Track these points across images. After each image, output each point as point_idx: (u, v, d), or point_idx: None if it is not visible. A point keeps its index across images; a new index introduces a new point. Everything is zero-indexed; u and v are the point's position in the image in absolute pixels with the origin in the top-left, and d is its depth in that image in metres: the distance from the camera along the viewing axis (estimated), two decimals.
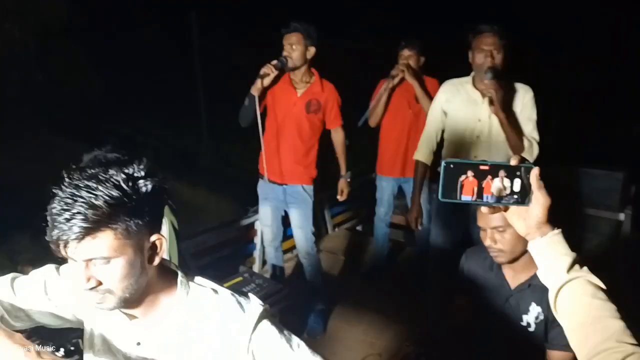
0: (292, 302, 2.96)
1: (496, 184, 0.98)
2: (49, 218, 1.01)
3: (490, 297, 1.99)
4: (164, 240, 1.14)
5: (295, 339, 1.20)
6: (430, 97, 3.28)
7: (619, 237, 4.27)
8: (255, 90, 3.01)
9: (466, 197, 0.99)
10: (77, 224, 0.99)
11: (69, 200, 1.00)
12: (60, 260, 1.10)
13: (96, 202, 1.00)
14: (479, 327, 2.03)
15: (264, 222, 3.45)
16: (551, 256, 1.00)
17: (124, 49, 9.75)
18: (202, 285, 1.23)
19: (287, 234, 3.65)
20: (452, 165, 0.98)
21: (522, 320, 1.90)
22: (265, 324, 1.18)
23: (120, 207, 1.02)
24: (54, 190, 1.02)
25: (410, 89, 3.69)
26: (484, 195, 0.99)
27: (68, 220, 0.99)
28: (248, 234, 3.91)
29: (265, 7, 10.55)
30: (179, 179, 8.59)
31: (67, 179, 1.03)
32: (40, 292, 1.25)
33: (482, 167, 0.98)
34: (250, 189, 3.45)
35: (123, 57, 9.56)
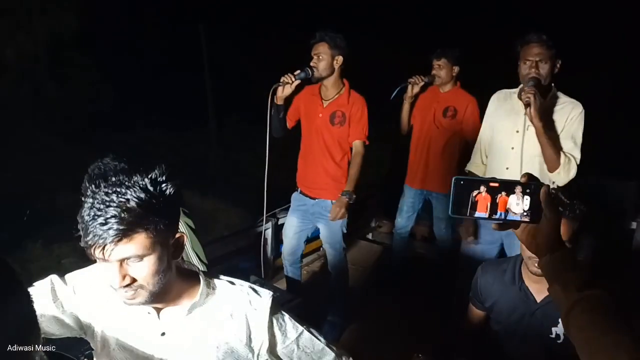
0: (305, 311, 2.93)
1: (512, 201, 0.98)
2: (81, 225, 1.09)
3: (515, 310, 1.98)
4: (185, 237, 1.25)
5: (300, 325, 1.41)
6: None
7: (631, 246, 4.22)
8: (277, 99, 2.94)
9: (480, 214, 0.99)
10: (114, 227, 1.07)
11: (102, 206, 1.08)
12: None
13: (129, 205, 1.08)
14: (504, 340, 2.02)
15: (286, 234, 3.37)
16: (562, 274, 0.99)
17: (133, 59, 9.85)
18: (219, 278, 1.38)
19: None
20: (462, 182, 0.99)
21: (551, 333, 1.88)
22: (278, 308, 1.37)
23: (149, 208, 1.12)
24: (82, 199, 1.11)
25: (441, 100, 3.62)
26: (498, 212, 0.99)
27: (103, 224, 1.07)
28: (259, 243, 3.90)
29: (274, 18, 10.64)
30: (188, 188, 8.64)
31: (94, 187, 1.12)
32: (48, 300, 1.31)
33: (492, 184, 0.98)
34: (259, 198, 3.41)
35: (132, 68, 9.64)
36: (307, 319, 2.96)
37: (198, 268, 1.36)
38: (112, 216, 1.07)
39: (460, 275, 3.05)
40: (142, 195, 1.11)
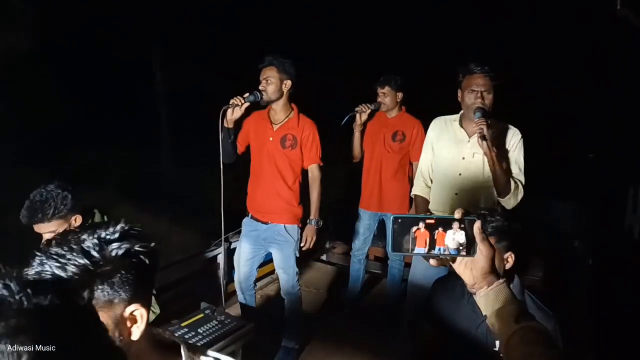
0: (259, 337, 2.91)
1: (449, 236, 1.03)
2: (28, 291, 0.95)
3: (462, 324, 2.00)
4: (145, 312, 1.02)
5: None
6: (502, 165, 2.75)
7: (574, 264, 4.41)
8: (226, 122, 2.91)
9: (419, 249, 1.03)
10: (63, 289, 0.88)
11: (39, 268, 0.92)
12: None
13: (62, 273, 0.92)
14: (452, 355, 2.05)
15: (238, 261, 3.31)
16: (498, 306, 1.05)
17: (85, 76, 9.64)
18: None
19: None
20: (400, 220, 1.03)
21: (495, 346, 1.93)
22: None
23: (88, 274, 0.94)
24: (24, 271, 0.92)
25: (389, 126, 3.74)
26: (436, 247, 1.03)
27: (50, 286, 0.90)
28: (211, 267, 3.86)
29: (230, 38, 10.65)
30: (142, 209, 8.46)
31: (39, 254, 0.94)
32: None
33: (429, 221, 1.03)
34: (214, 219, 3.36)
35: (83, 85, 9.43)
36: (262, 345, 2.95)
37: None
38: (57, 280, 0.89)
39: (408, 296, 3.12)
40: (81, 261, 0.94)
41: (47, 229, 2.09)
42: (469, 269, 1.07)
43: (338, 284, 4.49)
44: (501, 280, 1.06)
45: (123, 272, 0.97)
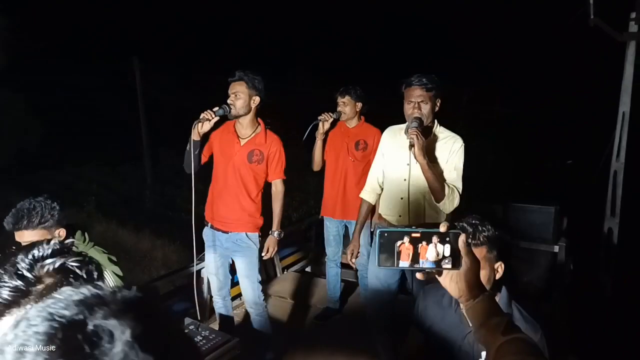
0: (243, 351, 2.90)
1: (431, 250, 1.04)
2: None
3: (450, 334, 2.01)
4: None
5: None
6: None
7: (554, 268, 4.46)
8: (194, 135, 2.97)
9: (404, 263, 1.04)
10: None
11: None
12: None
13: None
14: None
15: (210, 271, 3.37)
16: (485, 318, 1.05)
17: (64, 93, 9.56)
18: None
19: (234, 281, 3.59)
20: (386, 234, 1.04)
21: (480, 357, 1.94)
22: None
23: (22, 295, 0.93)
24: None
25: (351, 135, 3.82)
26: (420, 261, 1.04)
27: None
28: (194, 283, 3.83)
29: (208, 52, 10.66)
30: (123, 226, 8.37)
31: None
32: None
33: (414, 235, 1.04)
34: (196, 233, 3.39)
35: (63, 102, 9.35)
36: (244, 358, 2.93)
37: None
38: None
39: (368, 303, 3.21)
40: (15, 282, 0.93)
41: (30, 238, 2.06)
42: (455, 282, 1.07)
43: (313, 293, 4.51)
44: (487, 293, 1.08)
45: (59, 288, 0.92)
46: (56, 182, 8.88)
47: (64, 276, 0.97)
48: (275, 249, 3.29)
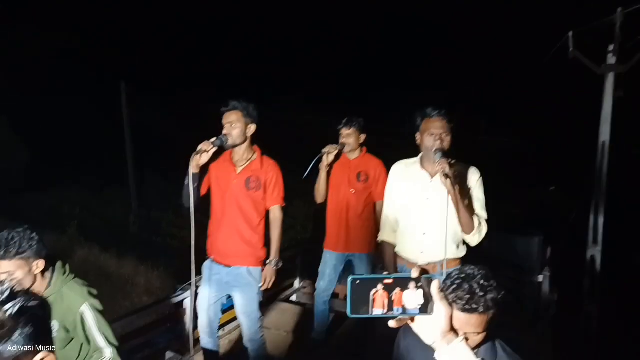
0: None
1: (406, 296, 1.03)
2: None
3: None
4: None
5: None
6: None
7: (539, 298, 4.47)
8: (193, 168, 2.89)
9: (377, 311, 1.03)
10: None
11: None
12: None
13: None
14: None
15: (201, 306, 3.23)
16: None
17: (48, 115, 9.49)
18: None
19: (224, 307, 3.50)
20: (358, 281, 1.03)
21: None
22: None
23: None
24: None
25: (352, 167, 3.80)
26: (394, 308, 1.03)
27: None
28: (177, 314, 3.77)
29: (195, 79, 10.69)
30: (106, 250, 8.25)
31: None
32: None
33: (386, 281, 1.03)
34: (180, 259, 3.29)
35: (46, 124, 9.27)
36: None
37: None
38: None
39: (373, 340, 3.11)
40: None
41: (6, 268, 2.02)
42: (427, 328, 1.08)
43: (308, 325, 4.43)
44: (460, 338, 1.08)
45: (21, 329, 1.02)
46: (38, 205, 8.75)
47: (24, 317, 1.03)
48: (273, 279, 3.14)
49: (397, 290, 1.03)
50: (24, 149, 8.85)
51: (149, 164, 9.40)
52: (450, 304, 1.09)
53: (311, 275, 4.85)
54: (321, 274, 4.00)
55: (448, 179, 2.53)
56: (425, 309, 1.04)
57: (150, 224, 8.98)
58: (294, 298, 5.15)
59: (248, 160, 3.10)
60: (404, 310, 1.03)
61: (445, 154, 2.65)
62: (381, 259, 3.13)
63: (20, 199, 8.58)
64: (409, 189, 2.87)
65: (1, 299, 1.02)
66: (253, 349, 3.22)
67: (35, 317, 1.06)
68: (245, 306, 3.13)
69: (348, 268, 4.04)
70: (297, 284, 5.19)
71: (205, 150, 2.87)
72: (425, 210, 2.81)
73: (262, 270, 3.14)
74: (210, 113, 3.13)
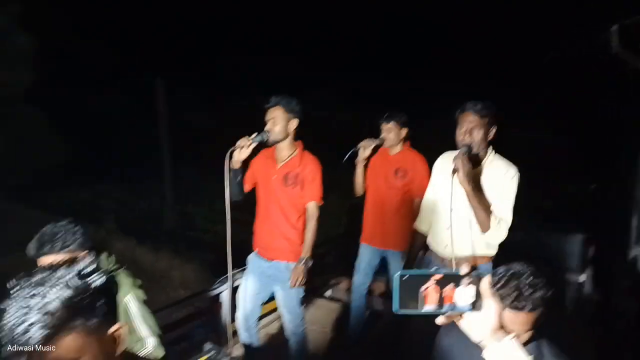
0: None
1: (457, 293, 1.01)
2: (3, 334, 0.99)
3: None
4: (123, 329, 1.15)
5: None
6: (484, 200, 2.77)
7: (580, 299, 4.35)
8: (233, 163, 2.91)
9: (428, 307, 1.01)
10: (36, 333, 0.97)
11: (22, 311, 0.98)
12: None
13: (52, 307, 0.99)
14: None
15: (241, 297, 3.28)
16: None
17: (85, 109, 9.70)
18: None
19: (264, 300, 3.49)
20: (406, 277, 1.01)
21: None
22: None
23: (75, 306, 1.02)
24: (2, 306, 1.00)
25: (391, 162, 3.76)
26: (445, 304, 1.01)
27: (25, 332, 0.97)
28: (215, 306, 3.81)
29: (231, 73, 10.77)
30: (141, 244, 8.40)
31: (15, 290, 1.01)
32: None
33: (437, 277, 1.01)
34: (214, 253, 3.32)
35: (83, 119, 9.49)
36: None
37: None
38: (33, 322, 0.98)
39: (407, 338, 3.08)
40: (65, 294, 1.02)
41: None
42: (476, 325, 1.05)
43: (343, 321, 4.42)
44: (511, 336, 1.05)
45: (104, 299, 1.10)
46: (76, 199, 8.97)
47: (104, 288, 1.11)
48: (303, 278, 3.11)
49: (449, 286, 1.01)
50: (62, 144, 9.04)
51: (185, 158, 9.51)
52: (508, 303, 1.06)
53: (346, 271, 4.84)
54: (357, 268, 3.99)
55: (456, 175, 2.53)
56: (475, 305, 1.02)
57: (185, 218, 9.10)
58: (329, 294, 5.15)
59: (289, 157, 3.10)
60: (454, 307, 1.01)
61: (470, 149, 2.64)
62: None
63: (58, 194, 8.81)
64: (440, 182, 2.87)
65: (88, 271, 1.08)
66: (295, 342, 3.25)
67: (110, 291, 1.14)
68: (286, 300, 3.16)
69: (383, 265, 4.01)
70: (332, 280, 5.18)
71: (244, 146, 2.87)
72: (451, 205, 2.74)
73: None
74: (247, 107, 3.13)
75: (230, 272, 3.03)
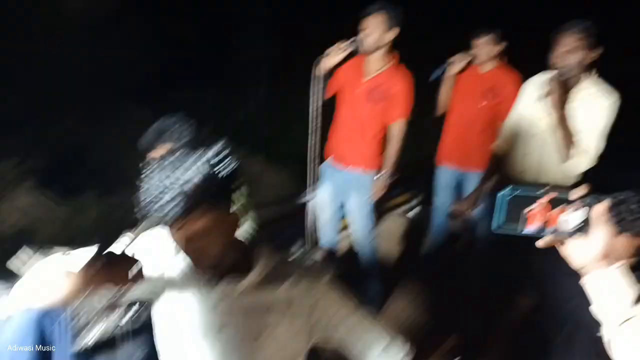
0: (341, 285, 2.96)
1: (564, 216, 0.97)
2: (145, 205, 1.13)
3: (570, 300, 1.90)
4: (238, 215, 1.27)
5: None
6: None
7: None
8: (319, 70, 2.91)
9: (530, 229, 0.98)
10: (179, 204, 1.10)
11: (166, 183, 1.11)
12: None
13: (194, 181, 1.11)
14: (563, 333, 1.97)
15: (321, 203, 3.37)
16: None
17: (185, 21, 9.83)
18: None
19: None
20: (511, 196, 0.98)
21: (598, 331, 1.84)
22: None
23: (212, 183, 1.14)
24: (142, 180, 1.14)
25: (482, 80, 3.55)
26: (548, 227, 0.98)
27: (169, 202, 1.10)
28: (303, 212, 3.94)
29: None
30: (236, 149, 8.73)
31: (155, 166, 1.15)
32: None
33: (545, 199, 0.97)
34: (306, 163, 3.36)
35: (182, 27, 9.62)
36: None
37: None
38: (177, 193, 1.09)
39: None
40: (205, 170, 1.14)
41: None
42: (579, 251, 0.99)
43: (418, 242, 4.43)
44: (619, 263, 0.97)
45: (232, 182, 1.22)
46: (178, 102, 9.38)
47: (238, 173, 1.24)
48: (383, 190, 3.15)
49: (556, 209, 0.97)
50: (160, 52, 9.16)
51: (285, 64, 9.49)
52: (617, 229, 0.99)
53: (424, 191, 4.78)
54: (436, 188, 3.92)
55: (548, 97, 2.45)
56: (582, 230, 0.97)
57: (279, 129, 9.26)
58: (408, 214, 5.15)
59: (379, 70, 2.98)
60: (558, 230, 0.97)
61: (565, 73, 2.50)
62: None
63: (162, 96, 9.23)
64: (525, 105, 2.76)
65: (225, 154, 1.20)
66: (363, 252, 3.30)
67: (234, 177, 1.24)
68: (358, 209, 3.19)
69: (459, 186, 3.90)
70: (410, 199, 5.14)
71: (335, 53, 2.83)
72: (531, 130, 2.70)
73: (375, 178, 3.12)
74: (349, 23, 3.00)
75: (311, 181, 3.13)
